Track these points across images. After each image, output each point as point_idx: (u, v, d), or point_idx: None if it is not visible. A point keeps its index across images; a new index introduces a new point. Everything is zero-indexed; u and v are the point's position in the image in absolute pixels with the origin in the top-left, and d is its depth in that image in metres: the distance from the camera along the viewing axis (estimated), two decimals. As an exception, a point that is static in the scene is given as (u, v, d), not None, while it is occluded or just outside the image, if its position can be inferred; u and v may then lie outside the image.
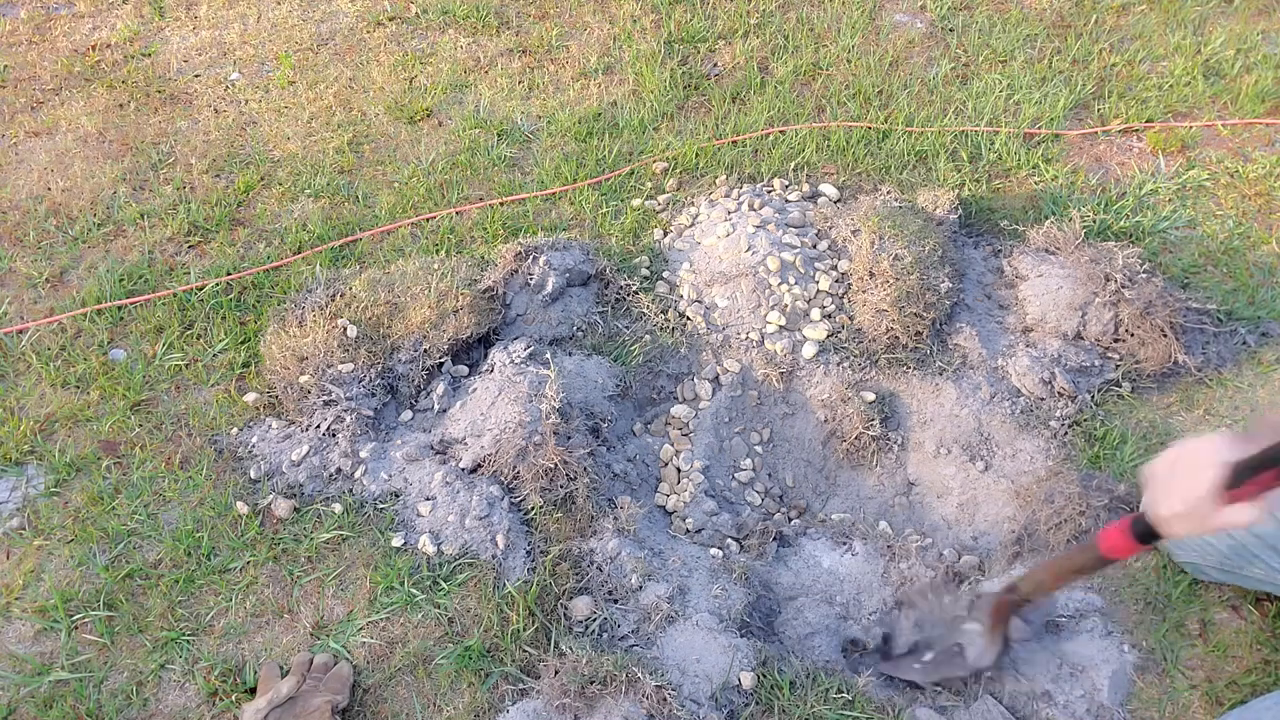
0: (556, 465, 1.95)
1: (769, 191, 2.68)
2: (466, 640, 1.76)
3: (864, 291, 2.35)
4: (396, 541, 1.91)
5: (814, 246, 2.49)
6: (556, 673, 1.66)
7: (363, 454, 2.04)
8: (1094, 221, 2.55)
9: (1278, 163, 2.78)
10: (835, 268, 2.44)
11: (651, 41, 3.27)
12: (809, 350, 2.30)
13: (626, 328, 2.35)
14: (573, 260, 2.35)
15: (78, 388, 2.20)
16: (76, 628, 1.79)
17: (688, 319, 2.38)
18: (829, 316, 2.35)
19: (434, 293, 2.25)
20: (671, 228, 2.62)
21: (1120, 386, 2.26)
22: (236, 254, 2.53)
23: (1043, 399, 2.22)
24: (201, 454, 2.07)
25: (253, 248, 2.56)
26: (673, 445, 2.23)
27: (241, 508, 1.96)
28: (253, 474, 2.03)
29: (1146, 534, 1.36)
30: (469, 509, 1.92)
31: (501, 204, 2.68)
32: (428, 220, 2.64)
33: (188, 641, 1.78)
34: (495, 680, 1.72)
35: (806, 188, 2.70)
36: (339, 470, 2.03)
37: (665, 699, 1.63)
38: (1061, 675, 1.76)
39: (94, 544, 1.91)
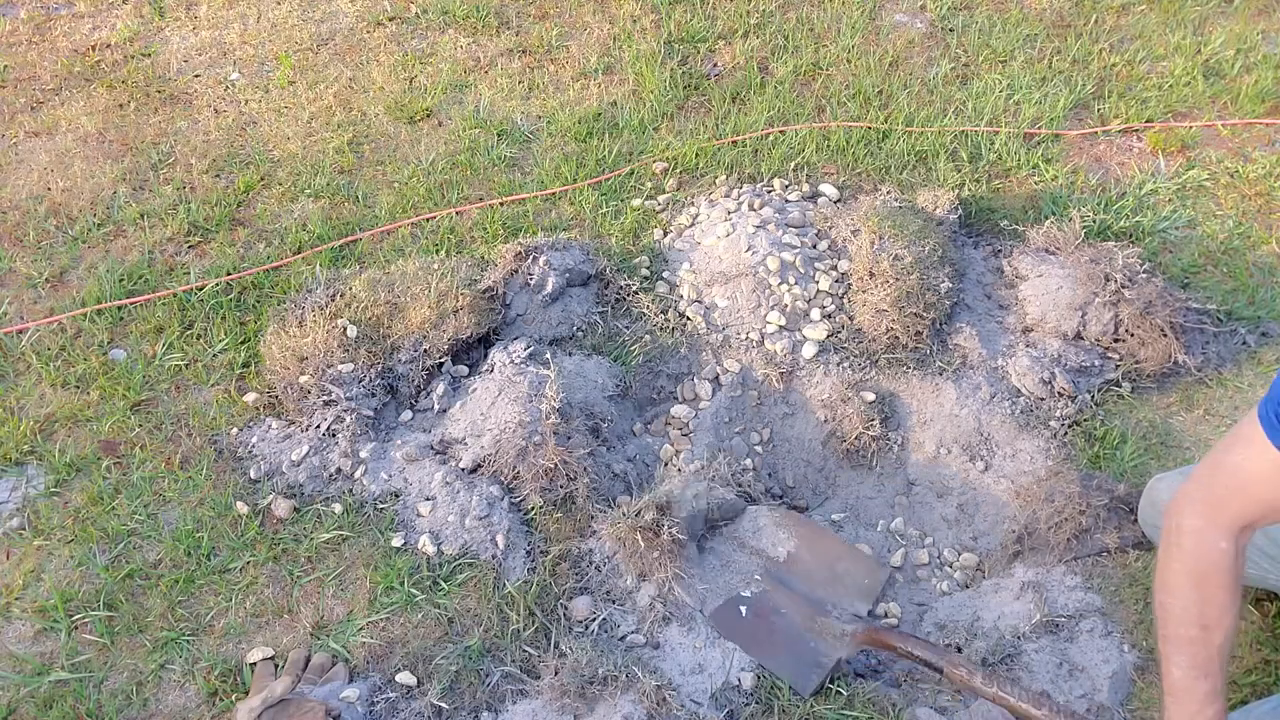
0: (556, 465, 1.95)
1: (769, 191, 2.68)
2: (466, 640, 1.76)
3: (864, 291, 2.35)
4: (396, 541, 1.91)
5: (814, 246, 2.49)
6: (556, 672, 1.66)
7: (363, 454, 2.05)
8: (1094, 221, 2.55)
9: (1278, 163, 2.78)
10: (835, 268, 2.44)
11: (651, 41, 3.27)
12: (809, 350, 2.30)
13: (626, 328, 2.35)
14: (573, 260, 2.35)
15: (78, 388, 2.20)
16: (76, 628, 1.79)
17: (688, 319, 2.38)
18: (829, 316, 2.35)
19: (434, 293, 2.25)
20: (671, 228, 2.62)
21: (1120, 386, 2.26)
22: (236, 254, 2.53)
23: (1043, 399, 2.22)
24: (201, 454, 2.07)
25: (253, 248, 2.56)
26: (673, 445, 2.23)
27: (241, 508, 1.96)
28: (253, 474, 2.03)
29: None
30: (469, 509, 1.92)
31: (501, 204, 2.68)
32: (428, 220, 2.64)
33: (188, 641, 1.78)
34: (495, 680, 1.72)
35: (806, 188, 2.70)
36: (339, 470, 2.03)
37: (665, 699, 1.63)
38: (1061, 675, 1.76)
39: (94, 544, 1.91)
